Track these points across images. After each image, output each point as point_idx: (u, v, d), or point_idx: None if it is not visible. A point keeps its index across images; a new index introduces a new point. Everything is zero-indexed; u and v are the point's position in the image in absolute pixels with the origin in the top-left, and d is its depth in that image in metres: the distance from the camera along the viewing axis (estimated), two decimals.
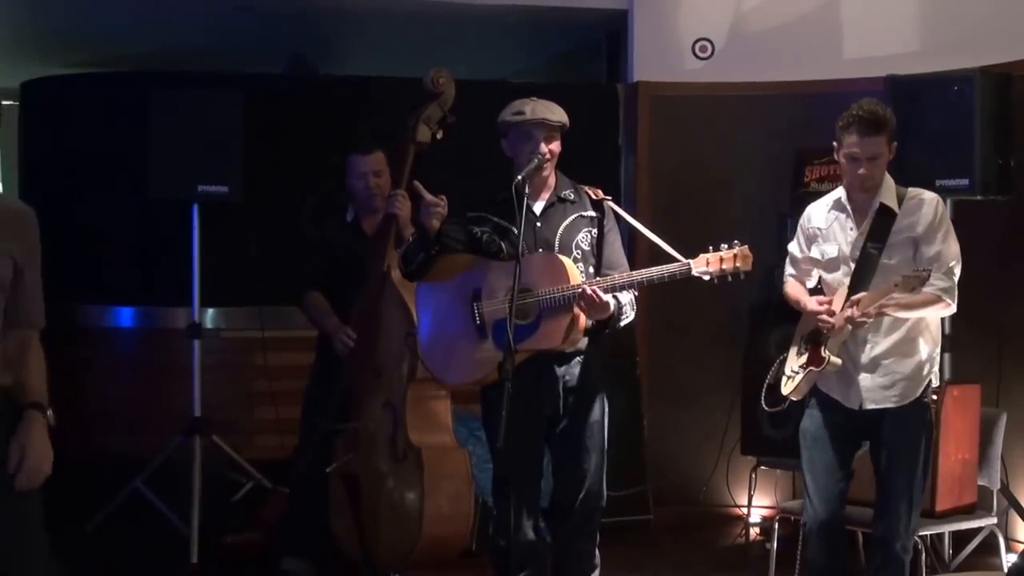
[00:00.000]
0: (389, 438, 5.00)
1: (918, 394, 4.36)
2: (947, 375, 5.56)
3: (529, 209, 4.34)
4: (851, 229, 4.40)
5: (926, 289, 4.17)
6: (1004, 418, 5.25)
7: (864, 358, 4.35)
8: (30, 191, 7.59)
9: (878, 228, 4.32)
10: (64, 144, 7.19)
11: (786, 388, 4.46)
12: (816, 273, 4.57)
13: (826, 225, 4.47)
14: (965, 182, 5.51)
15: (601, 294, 4.10)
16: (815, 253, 4.51)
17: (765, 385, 4.60)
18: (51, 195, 7.32)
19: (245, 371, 6.78)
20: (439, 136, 5.13)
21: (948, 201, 5.57)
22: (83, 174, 7.10)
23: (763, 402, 4.60)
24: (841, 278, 4.41)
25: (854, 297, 4.22)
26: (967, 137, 5.50)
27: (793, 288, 4.62)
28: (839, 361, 4.29)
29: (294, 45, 8.31)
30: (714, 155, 7.10)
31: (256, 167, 6.26)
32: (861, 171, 4.28)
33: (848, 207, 4.41)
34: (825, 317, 4.31)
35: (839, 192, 4.48)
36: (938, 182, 5.53)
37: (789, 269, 4.66)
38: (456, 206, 4.51)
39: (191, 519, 6.02)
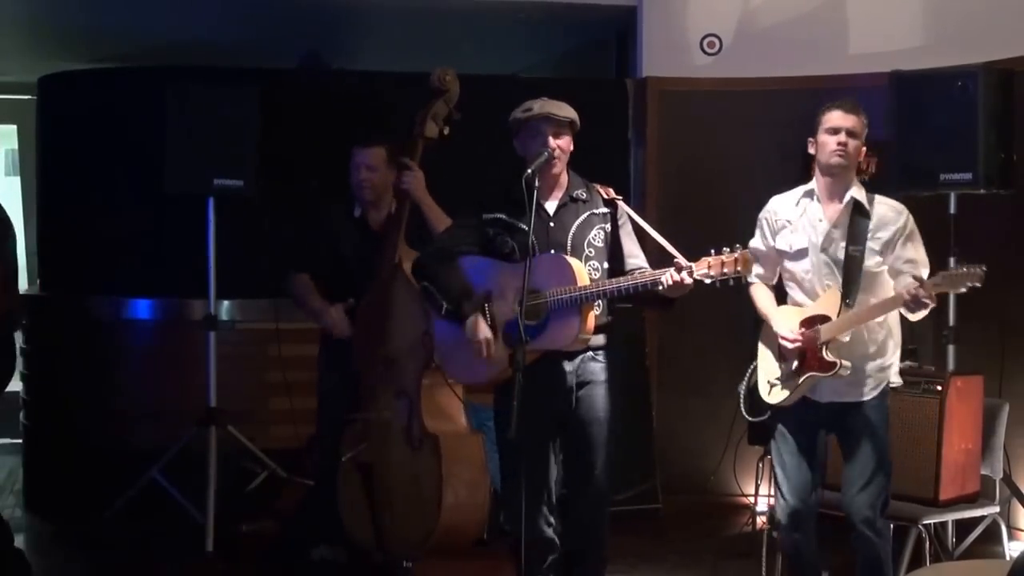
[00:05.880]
0: (404, 427, 5.05)
1: (879, 392, 4.50)
2: (951, 366, 5.64)
3: (542, 208, 4.42)
4: (820, 220, 4.50)
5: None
6: (1006, 408, 5.32)
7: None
8: (48, 185, 7.67)
9: (855, 230, 4.44)
10: (81, 138, 7.25)
11: (774, 396, 4.53)
12: (780, 267, 4.65)
13: (796, 216, 4.56)
14: (968, 176, 5.58)
15: (688, 279, 4.08)
16: (782, 244, 4.59)
17: (742, 395, 4.68)
18: (68, 189, 7.41)
19: (260, 362, 6.82)
20: (446, 132, 5.21)
21: (952, 195, 5.69)
22: (100, 168, 7.16)
23: (744, 413, 4.69)
24: (808, 267, 4.50)
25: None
26: (970, 132, 5.56)
27: (762, 299, 4.67)
28: (850, 364, 4.39)
29: (308, 41, 8.36)
30: (722, 150, 7.17)
31: (271, 161, 6.34)
32: (842, 139, 4.44)
33: (818, 197, 4.53)
34: (791, 347, 4.43)
35: (808, 185, 4.59)
36: (942, 176, 5.61)
37: (756, 268, 4.61)
38: (468, 200, 4.59)
39: (207, 508, 6.09)
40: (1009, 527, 5.63)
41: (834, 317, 4.39)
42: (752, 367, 4.65)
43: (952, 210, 5.72)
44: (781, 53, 7.10)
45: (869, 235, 4.43)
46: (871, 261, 4.43)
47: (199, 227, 6.27)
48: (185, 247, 6.60)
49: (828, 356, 4.37)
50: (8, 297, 4.69)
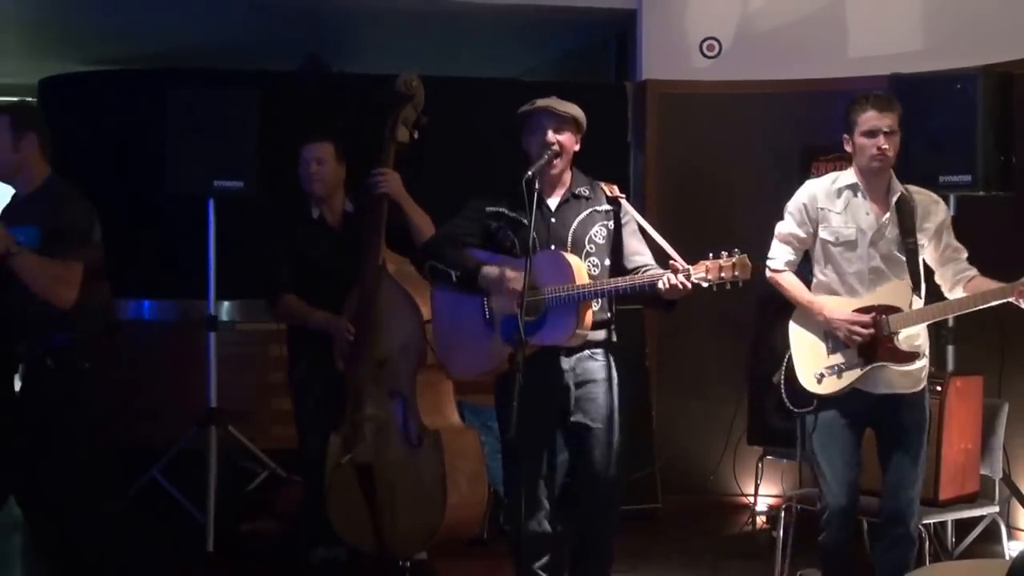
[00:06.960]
0: (401, 426, 5.06)
1: (923, 384, 4.52)
2: (950, 367, 5.66)
3: (544, 204, 4.42)
4: (867, 214, 4.49)
5: (971, 273, 4.52)
6: (1006, 408, 5.33)
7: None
8: None
9: (905, 222, 4.47)
10: (81, 140, 7.25)
11: (826, 385, 4.48)
12: (818, 255, 4.62)
13: (841, 208, 4.53)
14: (968, 178, 5.61)
15: (688, 282, 4.06)
16: (826, 234, 4.54)
17: (783, 385, 4.59)
18: None
19: (260, 362, 6.86)
20: (416, 137, 5.24)
21: (951, 197, 5.71)
22: (100, 170, 7.16)
23: (789, 404, 4.57)
24: (854, 259, 4.49)
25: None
26: (970, 134, 5.59)
27: (799, 287, 4.59)
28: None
29: (309, 43, 8.36)
30: (721, 152, 7.19)
31: (271, 163, 6.34)
32: (882, 143, 4.40)
33: (864, 192, 4.51)
34: (862, 336, 4.40)
35: (847, 177, 4.56)
36: (941, 178, 5.62)
37: (786, 255, 4.63)
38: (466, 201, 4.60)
39: (207, 508, 6.09)
40: (1008, 527, 5.64)
41: (905, 308, 4.41)
42: (787, 356, 4.58)
43: (952, 212, 5.74)
44: (780, 56, 7.12)
45: (917, 225, 4.48)
46: (926, 251, 4.52)
47: (199, 228, 6.27)
48: (185, 248, 6.60)
49: (904, 347, 4.40)
50: (98, 290, 4.70)
